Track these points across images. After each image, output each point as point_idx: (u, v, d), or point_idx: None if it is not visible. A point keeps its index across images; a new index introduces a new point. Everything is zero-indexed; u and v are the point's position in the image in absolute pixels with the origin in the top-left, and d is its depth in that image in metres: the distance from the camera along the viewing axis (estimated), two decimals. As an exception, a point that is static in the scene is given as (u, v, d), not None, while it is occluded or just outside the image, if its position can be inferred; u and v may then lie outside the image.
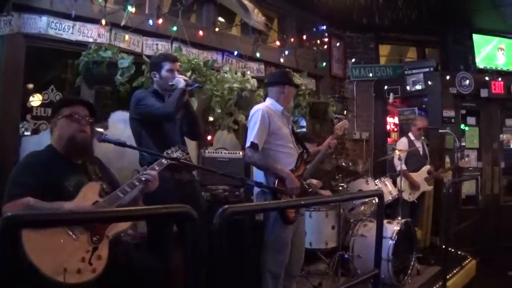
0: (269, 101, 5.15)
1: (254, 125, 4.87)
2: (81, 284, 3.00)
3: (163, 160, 3.73)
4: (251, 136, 4.83)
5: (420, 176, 7.84)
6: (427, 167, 8.02)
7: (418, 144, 8.06)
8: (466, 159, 8.74)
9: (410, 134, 8.25)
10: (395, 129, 11.07)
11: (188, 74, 5.74)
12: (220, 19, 7.83)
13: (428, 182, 7.97)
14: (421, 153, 8.06)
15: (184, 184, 4.45)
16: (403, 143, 8.07)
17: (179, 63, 4.99)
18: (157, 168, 3.66)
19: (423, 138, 8.91)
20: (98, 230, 3.21)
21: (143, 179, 3.54)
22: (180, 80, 4.44)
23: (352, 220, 6.70)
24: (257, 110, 4.95)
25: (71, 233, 3.08)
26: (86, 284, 3.03)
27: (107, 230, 3.27)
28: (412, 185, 7.66)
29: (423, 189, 7.89)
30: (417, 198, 7.84)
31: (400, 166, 7.37)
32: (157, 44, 6.37)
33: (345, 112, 10.11)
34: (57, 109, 3.58)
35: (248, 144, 4.85)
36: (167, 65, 4.58)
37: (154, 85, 4.70)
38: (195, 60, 6.13)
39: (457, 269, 6.88)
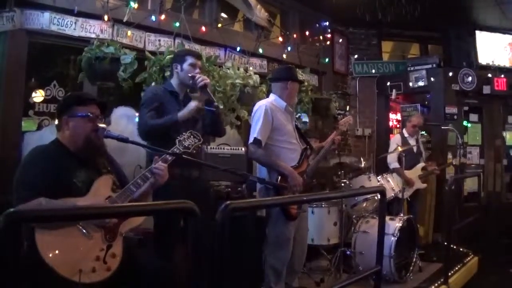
0: (272, 97, 5.18)
1: (257, 121, 4.90)
2: (95, 284, 3.00)
3: (175, 150, 3.68)
4: (254, 132, 4.85)
5: (414, 173, 7.72)
6: (421, 165, 7.91)
7: (412, 141, 7.95)
8: (461, 158, 8.66)
9: (404, 131, 8.17)
10: (398, 126, 11.06)
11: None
12: (223, 15, 7.82)
13: (422, 180, 7.88)
14: (415, 150, 7.96)
15: (193, 181, 4.43)
16: (396, 140, 8.00)
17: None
18: (169, 158, 3.61)
19: (423, 133, 8.91)
20: (111, 228, 3.20)
21: (154, 171, 3.50)
22: (190, 108, 4.43)
23: (354, 217, 6.71)
24: (260, 106, 4.98)
25: (85, 231, 3.07)
26: (100, 283, 3.03)
27: (120, 227, 3.26)
28: (406, 183, 7.55)
29: (416, 187, 7.76)
30: (411, 196, 7.75)
31: (395, 163, 7.45)
32: (159, 40, 6.36)
33: (347, 108, 10.11)
34: (70, 107, 3.47)
35: (251, 140, 4.87)
36: (190, 59, 4.62)
37: (172, 79, 4.73)
38: (198, 56, 6.13)
39: (459, 266, 6.89)
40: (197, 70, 4.59)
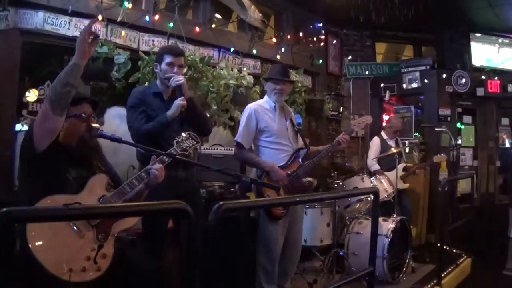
0: (266, 97, 5.28)
1: (241, 124, 5.12)
2: (84, 283, 2.99)
3: (173, 151, 3.65)
4: (237, 135, 5.09)
5: (394, 175, 7.67)
6: (402, 165, 7.82)
7: (391, 143, 7.94)
8: (442, 155, 8.58)
9: (383, 133, 8.16)
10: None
11: (184, 70, 5.71)
12: (217, 15, 7.81)
13: (404, 180, 7.82)
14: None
15: (179, 182, 4.36)
16: (375, 143, 7.96)
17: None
18: (166, 159, 3.58)
19: (416, 134, 8.92)
20: (103, 228, 3.19)
21: (150, 172, 3.48)
22: (177, 105, 4.33)
23: (347, 218, 6.72)
24: (246, 109, 5.16)
25: (76, 229, 3.07)
26: (90, 283, 3.03)
27: (112, 227, 3.25)
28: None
29: (399, 187, 7.59)
30: (397, 197, 7.64)
31: (375, 165, 7.56)
32: (153, 40, 6.36)
33: (341, 109, 10.13)
34: None
35: (235, 142, 5.11)
36: (168, 58, 4.45)
37: (157, 79, 4.63)
38: (191, 56, 6.13)
39: (452, 267, 6.91)
40: (175, 70, 4.43)
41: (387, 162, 7.38)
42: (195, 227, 2.39)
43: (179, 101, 4.34)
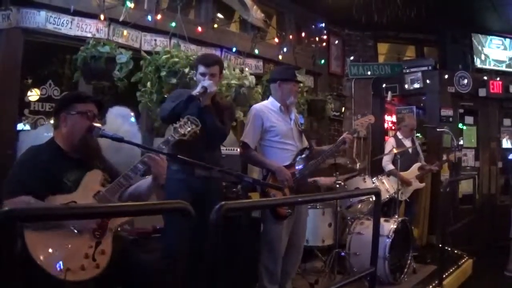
0: (270, 99, 5.29)
1: (246, 125, 5.12)
2: (84, 281, 2.99)
3: (170, 138, 3.59)
4: (243, 135, 5.08)
5: (411, 174, 7.75)
6: (417, 164, 7.92)
7: (407, 143, 7.95)
8: (456, 153, 8.61)
9: (398, 134, 8.20)
10: (393, 127, 11.06)
11: (186, 70, 5.71)
12: (219, 15, 7.82)
13: (420, 179, 7.89)
14: (410, 151, 7.94)
15: (197, 180, 4.41)
16: (390, 144, 7.97)
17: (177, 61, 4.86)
18: (163, 147, 3.52)
19: (418, 135, 8.90)
20: (100, 224, 3.18)
21: (146, 160, 3.43)
22: (200, 85, 4.42)
23: (349, 218, 6.71)
24: (251, 110, 5.18)
25: (73, 228, 3.06)
26: (90, 281, 3.03)
27: (109, 223, 3.24)
28: (403, 183, 7.58)
29: (415, 187, 7.81)
30: (410, 197, 7.79)
31: (390, 165, 7.56)
32: (155, 40, 6.36)
33: (343, 109, 10.13)
34: (69, 104, 3.46)
35: (240, 143, 5.10)
36: (200, 68, 4.56)
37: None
38: (194, 56, 6.12)
39: (453, 268, 6.89)
40: (207, 78, 4.48)
41: (402, 162, 7.36)
42: (206, 227, 2.38)
43: (203, 84, 4.42)
